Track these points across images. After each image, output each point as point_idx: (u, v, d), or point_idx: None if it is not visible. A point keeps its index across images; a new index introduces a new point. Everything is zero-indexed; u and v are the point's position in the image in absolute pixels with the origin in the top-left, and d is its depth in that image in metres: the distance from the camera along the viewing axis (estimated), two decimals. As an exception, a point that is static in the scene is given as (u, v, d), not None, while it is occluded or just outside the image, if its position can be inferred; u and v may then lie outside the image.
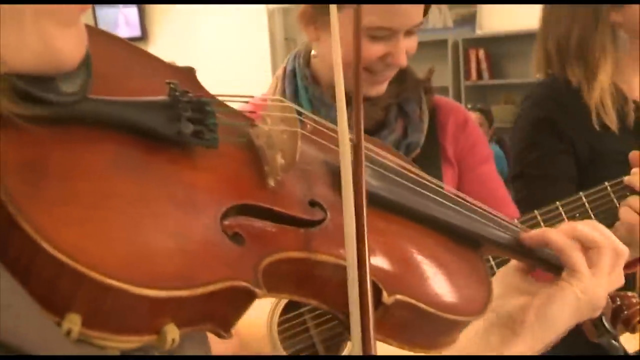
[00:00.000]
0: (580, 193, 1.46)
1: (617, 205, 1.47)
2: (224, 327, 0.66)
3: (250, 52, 9.27)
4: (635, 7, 1.88)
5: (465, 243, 0.94)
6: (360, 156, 0.68)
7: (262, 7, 9.03)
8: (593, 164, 1.88)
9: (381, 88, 1.52)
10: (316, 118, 0.87)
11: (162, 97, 0.69)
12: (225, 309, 0.66)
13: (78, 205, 0.59)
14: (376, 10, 1.43)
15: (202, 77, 0.82)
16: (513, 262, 1.05)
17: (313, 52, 1.58)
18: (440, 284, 0.85)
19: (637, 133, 1.89)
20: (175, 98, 0.69)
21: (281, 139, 0.77)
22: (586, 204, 1.46)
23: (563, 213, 1.43)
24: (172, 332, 0.60)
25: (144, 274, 0.58)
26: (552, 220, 1.42)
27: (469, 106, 6.92)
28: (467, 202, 0.97)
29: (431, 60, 8.33)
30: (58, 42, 0.57)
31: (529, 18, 7.04)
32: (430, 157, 1.54)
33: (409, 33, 1.50)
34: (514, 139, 2.05)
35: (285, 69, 1.62)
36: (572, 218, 1.43)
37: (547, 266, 1.01)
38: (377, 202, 0.84)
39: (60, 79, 0.60)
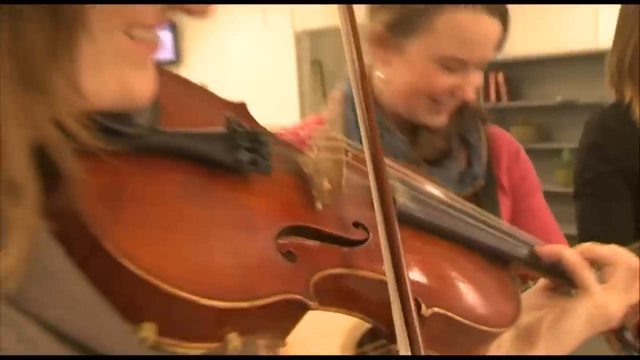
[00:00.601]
0: None
1: None
2: (280, 336, 0.68)
3: (277, 74, 9.27)
4: None
5: (494, 261, 0.95)
6: (383, 178, 0.68)
7: (289, 31, 9.02)
8: None
9: (443, 118, 1.45)
10: (358, 146, 0.84)
11: (221, 129, 0.71)
12: (280, 319, 0.67)
13: (152, 227, 0.62)
14: (456, 41, 1.35)
15: (233, 97, 0.84)
16: (540, 282, 1.05)
17: (381, 76, 1.47)
18: (472, 298, 0.86)
19: None
20: (233, 129, 0.71)
21: (327, 166, 0.79)
22: None
23: None
24: (234, 340, 0.62)
25: (210, 288, 0.60)
26: None
27: None
28: (492, 221, 0.98)
29: None
30: (133, 83, 0.60)
31: (545, 43, 7.04)
32: (488, 187, 1.51)
33: (478, 68, 1.43)
34: (575, 163, 2.05)
35: (344, 92, 1.52)
36: None
37: (568, 283, 1.00)
38: (414, 223, 0.86)
39: (134, 115, 0.63)
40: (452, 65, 1.36)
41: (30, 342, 0.52)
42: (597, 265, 0.99)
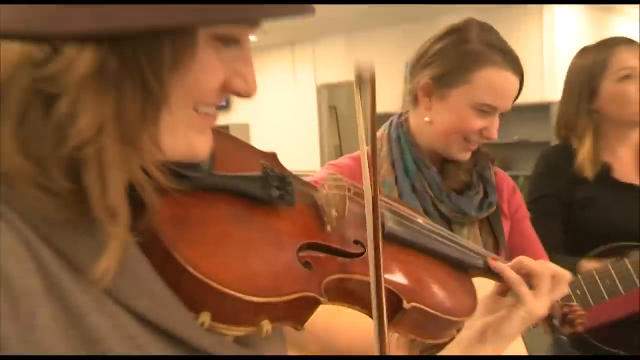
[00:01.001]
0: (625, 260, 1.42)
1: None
2: (300, 323, 0.69)
3: (302, 118, 9.23)
4: (605, 98, 1.80)
5: (458, 268, 0.94)
6: (376, 207, 0.64)
7: (312, 84, 9.00)
8: (574, 206, 1.82)
9: (469, 154, 1.39)
10: (357, 185, 0.85)
11: (258, 173, 0.72)
12: (300, 310, 0.68)
13: (208, 244, 0.63)
14: (489, 91, 1.31)
15: (264, 139, 0.81)
16: (492, 288, 1.02)
17: (426, 119, 1.38)
18: (441, 296, 0.85)
19: (606, 185, 1.81)
20: (267, 173, 0.72)
21: (335, 199, 0.79)
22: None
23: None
24: (267, 325, 0.63)
25: (249, 287, 0.61)
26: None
27: None
28: (455, 239, 0.96)
29: None
30: (197, 144, 0.62)
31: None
32: (496, 213, 1.43)
33: (500, 115, 1.38)
34: (529, 186, 1.98)
35: (389, 134, 1.43)
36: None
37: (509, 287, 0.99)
38: (398, 241, 0.86)
39: (196, 163, 0.64)
40: (485, 110, 1.32)
41: (122, 327, 0.54)
42: (529, 276, 0.97)
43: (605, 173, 1.80)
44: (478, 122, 1.32)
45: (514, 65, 1.32)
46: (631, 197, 1.76)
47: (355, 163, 1.35)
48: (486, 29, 1.36)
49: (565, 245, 1.79)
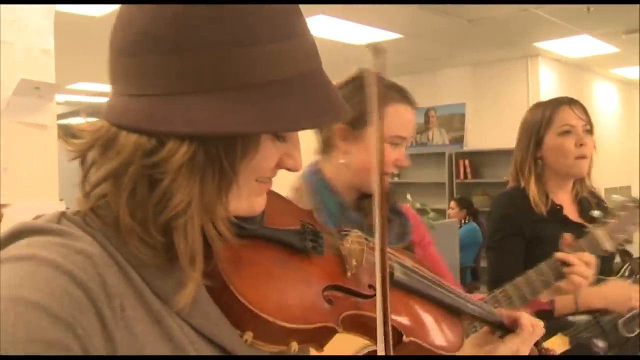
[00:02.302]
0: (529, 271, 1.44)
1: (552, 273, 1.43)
2: (320, 346, 0.73)
3: None
4: (548, 148, 1.83)
5: (451, 312, 0.95)
6: (384, 257, 0.64)
7: None
8: (534, 242, 1.81)
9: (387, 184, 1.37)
10: (370, 239, 0.86)
11: (297, 227, 0.78)
12: (321, 337, 0.72)
13: (256, 279, 0.69)
14: (399, 124, 1.30)
15: None
16: (484, 328, 1.04)
17: (342, 161, 1.34)
18: (434, 334, 0.88)
19: (560, 222, 1.81)
20: (304, 228, 0.78)
21: (355, 250, 0.83)
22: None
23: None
24: (295, 346, 0.69)
25: (284, 316, 0.67)
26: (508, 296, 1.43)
27: (457, 196, 6.80)
28: (452, 289, 0.97)
29: (434, 166, 8.16)
30: (256, 205, 0.70)
31: (496, 140, 7.02)
32: (410, 243, 1.40)
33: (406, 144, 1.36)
34: (488, 224, 1.98)
35: (308, 184, 1.37)
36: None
37: (501, 330, 1.02)
38: (403, 287, 0.89)
39: (252, 218, 0.71)
40: (396, 142, 1.31)
41: (186, 334, 0.63)
42: (515, 322, 1.00)
43: (558, 212, 1.83)
44: (392, 154, 1.31)
45: (410, 99, 1.34)
46: (580, 235, 1.74)
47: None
48: (394, 85, 1.35)
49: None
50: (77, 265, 0.56)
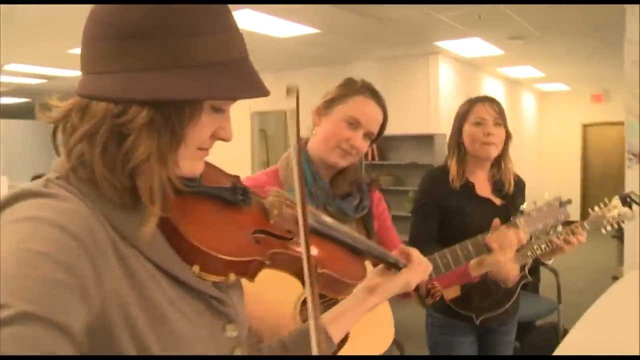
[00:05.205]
0: (456, 246, 1.48)
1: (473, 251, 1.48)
2: (252, 277, 0.79)
3: (237, 139, 9.03)
4: (465, 135, 1.97)
5: (355, 252, 0.99)
6: (304, 212, 0.67)
7: (247, 111, 8.78)
8: (447, 210, 1.95)
9: (345, 162, 1.44)
10: (290, 196, 0.90)
11: (229, 185, 0.83)
12: (253, 269, 0.78)
13: (198, 223, 0.75)
14: (358, 110, 1.40)
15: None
16: (382, 265, 1.07)
17: (314, 132, 1.46)
18: (342, 266, 0.92)
19: (470, 197, 1.96)
20: (235, 185, 0.84)
21: (276, 203, 0.88)
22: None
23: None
24: (232, 277, 0.75)
25: (222, 249, 0.73)
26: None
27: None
28: (358, 238, 1.01)
29: None
30: (196, 168, 0.77)
31: (400, 126, 7.19)
32: (368, 214, 1.50)
33: (366, 136, 1.44)
34: (416, 194, 2.08)
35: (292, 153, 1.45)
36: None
37: (393, 266, 1.05)
38: (317, 233, 0.94)
39: (194, 178, 0.78)
40: (352, 122, 1.40)
41: (149, 270, 0.69)
42: (407, 259, 1.06)
43: (470, 188, 1.98)
44: (346, 132, 1.40)
45: (378, 100, 1.45)
46: (486, 208, 1.94)
47: (267, 178, 1.42)
48: (366, 82, 1.48)
49: (439, 238, 1.90)
50: (71, 222, 0.62)
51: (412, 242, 1.75)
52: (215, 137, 0.76)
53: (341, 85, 1.47)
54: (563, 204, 1.65)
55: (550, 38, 6.08)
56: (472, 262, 1.57)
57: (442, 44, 6.51)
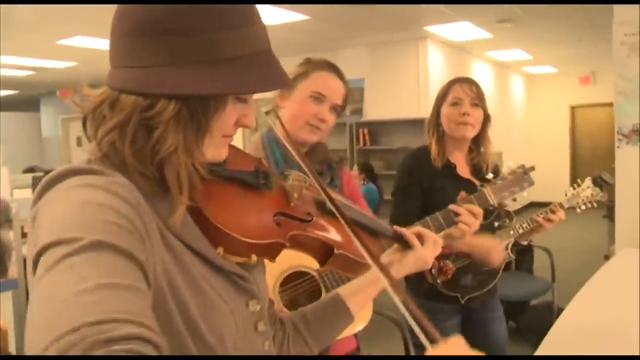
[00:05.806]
0: (437, 213, 1.48)
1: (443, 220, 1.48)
2: (273, 258, 0.82)
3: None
4: (443, 116, 1.97)
5: (370, 233, 1.00)
6: (328, 194, 0.74)
7: None
8: (429, 191, 1.95)
9: (316, 137, 1.46)
10: (310, 178, 0.89)
11: (252, 169, 0.85)
12: (273, 250, 0.81)
13: (223, 207, 0.77)
14: (320, 84, 1.42)
15: None
16: (395, 245, 1.07)
17: (280, 114, 1.45)
18: (359, 248, 0.86)
19: (452, 177, 1.96)
20: (257, 169, 0.86)
21: (296, 186, 0.90)
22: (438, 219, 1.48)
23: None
24: (254, 258, 0.78)
25: (245, 233, 0.75)
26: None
27: (360, 162, 6.76)
28: (371, 219, 1.03)
29: (337, 134, 8.15)
30: (221, 154, 0.79)
31: (391, 111, 7.18)
32: (339, 194, 1.36)
33: (332, 109, 1.45)
34: (397, 174, 2.07)
35: (262, 139, 1.50)
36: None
37: (406, 244, 1.04)
38: (331, 214, 0.86)
39: (219, 163, 0.79)
40: (317, 97, 1.42)
41: (180, 248, 0.72)
42: (420, 238, 1.04)
43: (451, 169, 1.98)
44: (312, 108, 1.42)
45: (338, 74, 1.47)
46: (468, 189, 1.85)
47: None
48: (324, 59, 1.50)
49: (421, 219, 1.88)
50: (122, 190, 0.65)
51: (393, 224, 1.73)
52: (238, 124, 0.78)
53: (300, 64, 1.49)
54: (527, 171, 1.68)
55: (538, 20, 6.11)
56: (442, 233, 1.55)
57: (431, 28, 6.53)
